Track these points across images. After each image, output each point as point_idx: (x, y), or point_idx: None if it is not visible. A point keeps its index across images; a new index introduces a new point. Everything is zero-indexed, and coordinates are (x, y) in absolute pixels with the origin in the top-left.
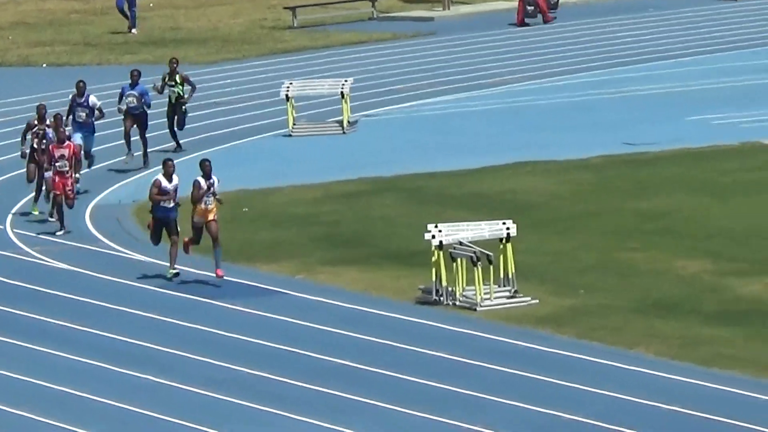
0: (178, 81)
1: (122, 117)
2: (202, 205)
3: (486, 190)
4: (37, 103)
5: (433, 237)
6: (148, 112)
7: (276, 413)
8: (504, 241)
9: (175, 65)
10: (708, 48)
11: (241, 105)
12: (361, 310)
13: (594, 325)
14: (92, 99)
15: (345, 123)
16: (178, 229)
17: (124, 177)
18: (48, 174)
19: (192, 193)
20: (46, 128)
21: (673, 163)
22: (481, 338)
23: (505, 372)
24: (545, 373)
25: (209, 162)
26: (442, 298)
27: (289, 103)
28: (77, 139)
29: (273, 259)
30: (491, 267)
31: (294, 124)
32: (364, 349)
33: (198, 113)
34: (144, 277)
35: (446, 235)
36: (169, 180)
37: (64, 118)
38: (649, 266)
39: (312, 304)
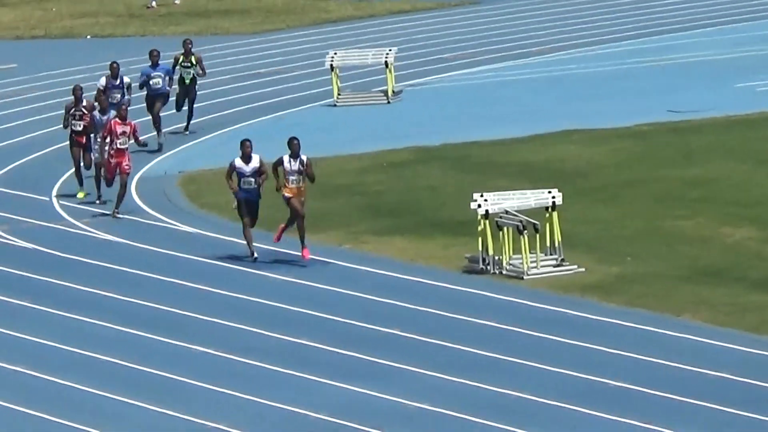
0: (194, 62)
1: (146, 102)
2: (289, 185)
3: (531, 158)
4: (73, 85)
5: (479, 206)
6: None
7: (323, 381)
8: (550, 209)
9: (190, 46)
10: (752, 15)
11: (286, 75)
12: (408, 279)
13: (640, 292)
14: (126, 80)
15: (389, 93)
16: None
17: (170, 148)
18: (94, 152)
19: (273, 164)
20: (94, 109)
21: (719, 130)
22: (528, 306)
23: (551, 340)
24: (592, 341)
25: (297, 140)
26: (488, 267)
27: (333, 73)
28: None
29: (319, 229)
30: (537, 236)
31: (339, 94)
32: (411, 317)
33: (242, 84)
34: (188, 248)
35: (492, 204)
36: (247, 161)
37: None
38: (695, 234)
39: (359, 274)
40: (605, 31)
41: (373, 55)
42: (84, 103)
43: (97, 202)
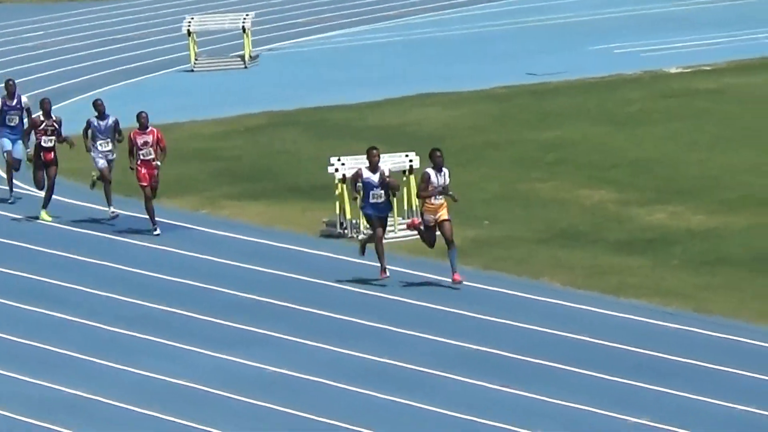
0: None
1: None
2: (433, 200)
3: (388, 122)
4: (41, 98)
5: (336, 170)
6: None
7: (183, 347)
8: (407, 173)
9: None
10: None
11: (142, 41)
12: (266, 244)
13: (499, 255)
14: (24, 99)
15: (246, 57)
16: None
17: None
18: (101, 164)
19: (419, 187)
20: (95, 118)
21: (576, 92)
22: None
23: (410, 303)
24: (451, 305)
25: (440, 152)
26: (346, 231)
27: (190, 39)
28: (6, 145)
29: (176, 194)
30: (395, 199)
31: (196, 59)
32: (270, 282)
33: (99, 50)
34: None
35: (349, 168)
36: (374, 171)
37: None
38: (553, 196)
39: (217, 239)
40: None
41: (230, 20)
42: (53, 117)
43: (156, 232)
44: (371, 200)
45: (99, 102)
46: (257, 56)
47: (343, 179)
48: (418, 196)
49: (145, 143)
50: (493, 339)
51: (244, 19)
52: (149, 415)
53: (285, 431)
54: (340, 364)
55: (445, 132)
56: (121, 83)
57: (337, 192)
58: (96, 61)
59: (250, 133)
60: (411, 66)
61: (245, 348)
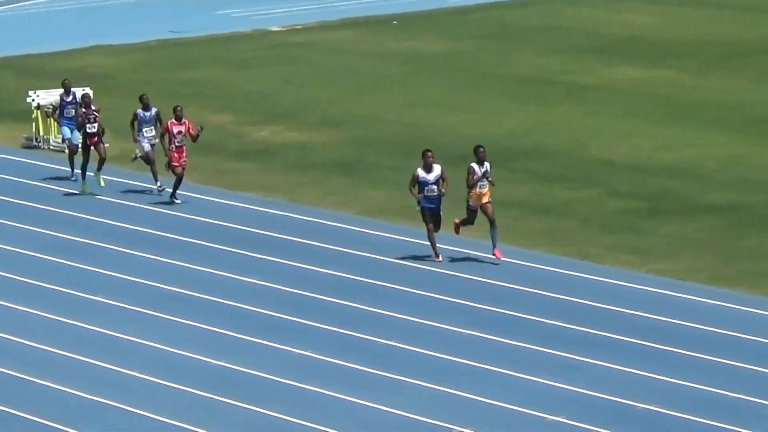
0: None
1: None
2: (477, 189)
3: (71, 66)
4: (83, 92)
5: (33, 100)
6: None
7: None
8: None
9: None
10: None
11: None
12: None
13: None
14: (78, 94)
15: None
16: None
17: None
18: (147, 147)
19: (467, 178)
20: (140, 110)
21: (207, 45)
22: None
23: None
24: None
25: (483, 148)
26: (40, 144)
27: None
28: (66, 133)
29: None
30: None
31: None
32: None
33: None
34: None
35: (43, 99)
36: (428, 171)
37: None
38: (192, 119)
39: None
40: None
41: None
42: (94, 108)
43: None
44: (426, 194)
45: (144, 96)
46: None
47: (38, 107)
48: (468, 186)
49: (179, 132)
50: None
51: None
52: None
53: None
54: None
55: (113, 72)
56: None
57: (33, 116)
58: None
59: None
60: (86, 26)
61: None
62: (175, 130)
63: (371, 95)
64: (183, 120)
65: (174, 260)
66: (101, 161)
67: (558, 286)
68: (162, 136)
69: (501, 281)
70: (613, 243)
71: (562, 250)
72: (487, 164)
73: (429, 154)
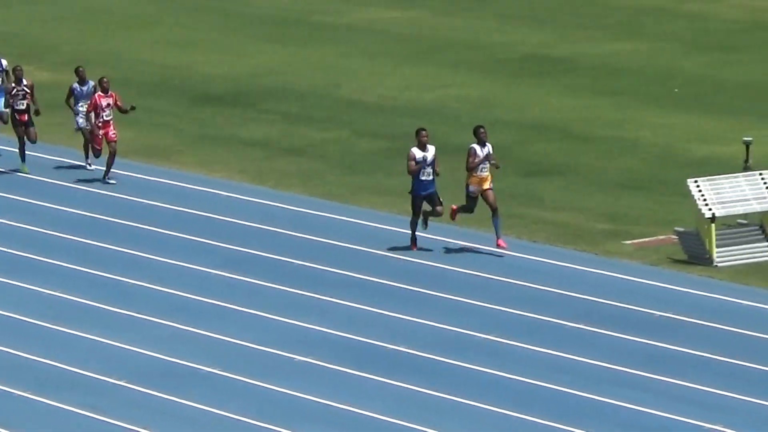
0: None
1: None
2: (478, 173)
3: None
4: (14, 66)
5: None
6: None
7: None
8: None
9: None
10: None
11: None
12: None
13: None
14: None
15: None
16: (441, 199)
17: None
18: (82, 123)
19: (467, 161)
20: (77, 84)
21: None
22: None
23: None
24: None
25: (484, 128)
26: None
27: None
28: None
29: None
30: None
31: None
32: None
33: None
34: None
35: None
36: (423, 149)
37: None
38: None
39: None
40: None
41: None
42: (25, 83)
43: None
44: (422, 177)
45: (81, 69)
46: None
47: None
48: (467, 170)
49: (108, 105)
50: None
51: None
52: None
53: None
54: None
55: None
56: None
57: None
58: None
59: None
60: None
61: None
62: (104, 102)
63: (119, 35)
64: (110, 92)
65: None
66: (24, 144)
67: (306, 227)
68: (88, 113)
69: (248, 221)
70: (360, 183)
71: (311, 190)
72: (489, 146)
73: (423, 133)
